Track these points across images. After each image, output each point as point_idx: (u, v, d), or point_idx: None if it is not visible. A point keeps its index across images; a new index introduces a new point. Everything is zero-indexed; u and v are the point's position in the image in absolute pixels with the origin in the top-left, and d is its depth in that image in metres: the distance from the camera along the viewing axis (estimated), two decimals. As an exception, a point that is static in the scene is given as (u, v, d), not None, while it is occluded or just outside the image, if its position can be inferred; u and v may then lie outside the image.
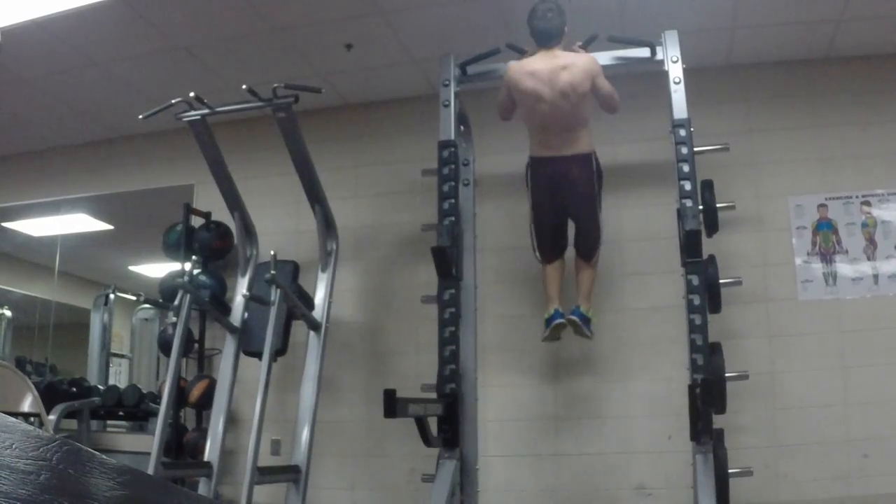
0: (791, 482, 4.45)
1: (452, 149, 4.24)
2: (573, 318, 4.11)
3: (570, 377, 4.40)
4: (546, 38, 4.00)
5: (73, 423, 5.70)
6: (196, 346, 5.40)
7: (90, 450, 0.81)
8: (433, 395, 4.04)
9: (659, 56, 4.13)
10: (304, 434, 4.33)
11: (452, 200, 4.20)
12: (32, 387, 4.69)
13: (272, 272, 4.08)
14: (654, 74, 4.16)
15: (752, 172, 4.85)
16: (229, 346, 4.53)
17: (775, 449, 4.50)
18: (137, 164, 6.09)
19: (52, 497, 0.67)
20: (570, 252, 4.32)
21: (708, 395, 3.53)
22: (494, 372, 4.83)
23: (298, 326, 4.74)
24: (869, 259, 4.70)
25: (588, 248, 4.23)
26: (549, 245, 4.23)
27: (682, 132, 3.93)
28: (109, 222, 7.00)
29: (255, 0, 4.33)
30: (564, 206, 4.14)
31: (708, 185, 4.16)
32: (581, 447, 4.78)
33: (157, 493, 0.83)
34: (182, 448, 5.03)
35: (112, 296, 7.27)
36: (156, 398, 5.94)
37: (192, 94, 4.18)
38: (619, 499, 4.68)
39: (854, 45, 4.77)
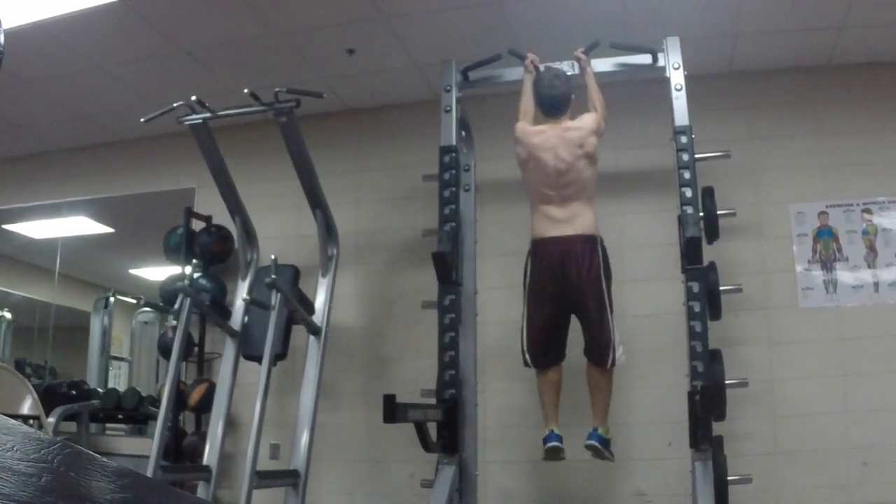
0: (790, 490, 4.45)
1: (453, 154, 4.25)
2: (592, 443, 3.77)
3: (569, 383, 4.37)
4: (553, 109, 3.95)
5: (72, 426, 5.69)
6: (196, 349, 5.40)
7: (91, 452, 0.81)
8: (433, 401, 4.04)
9: (660, 63, 4.13)
10: (304, 438, 4.33)
11: (453, 206, 4.20)
12: (32, 389, 4.69)
13: (273, 276, 4.08)
14: (656, 81, 4.16)
15: (753, 179, 4.86)
16: (229, 349, 4.53)
17: (775, 456, 4.49)
18: (139, 167, 6.10)
19: (53, 499, 0.67)
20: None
21: (708, 402, 3.53)
22: (494, 377, 4.82)
23: (298, 331, 4.74)
24: (869, 267, 4.70)
25: (599, 350, 3.81)
26: (541, 346, 3.89)
27: (684, 139, 3.93)
28: (110, 225, 7.00)
29: (257, 4, 4.34)
30: (568, 295, 3.81)
31: (709, 192, 4.16)
32: (580, 454, 4.76)
33: (157, 496, 0.83)
34: (181, 452, 5.03)
35: (112, 299, 7.27)
36: (155, 401, 5.94)
37: (193, 98, 4.18)
38: (618, 505, 4.67)
39: (856, 53, 4.78)
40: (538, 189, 3.92)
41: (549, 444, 3.81)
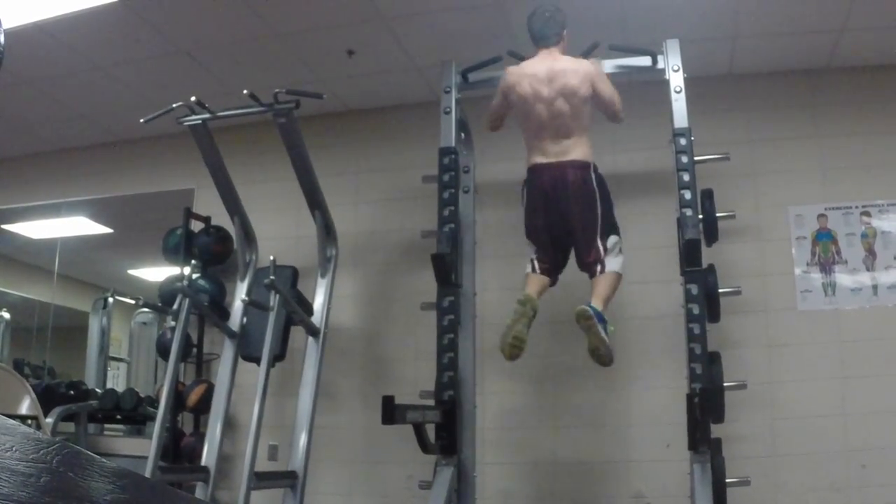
0: (789, 492, 4.45)
1: (453, 156, 4.25)
2: (584, 307, 3.59)
3: (568, 385, 4.40)
4: (544, 39, 3.96)
5: (70, 427, 5.69)
6: (194, 350, 5.40)
7: (90, 453, 0.81)
8: (431, 402, 4.03)
9: (660, 65, 4.13)
10: (302, 439, 4.33)
11: (452, 207, 4.20)
12: (30, 389, 4.70)
13: (271, 277, 4.08)
14: (655, 83, 4.16)
15: (753, 182, 4.86)
16: (228, 350, 4.53)
17: (773, 458, 4.49)
18: (138, 167, 6.10)
19: (52, 500, 0.67)
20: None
21: (706, 405, 3.53)
22: (493, 379, 4.82)
23: (297, 332, 4.74)
24: (868, 269, 4.70)
25: (587, 268, 3.84)
26: (549, 260, 3.93)
27: (683, 141, 3.93)
28: (109, 226, 7.00)
29: (257, 5, 4.34)
30: (561, 218, 3.86)
31: (708, 195, 4.16)
32: (579, 455, 4.77)
33: (156, 496, 0.83)
34: (179, 452, 5.03)
35: (111, 299, 7.27)
36: (153, 402, 5.93)
37: (193, 99, 4.19)
38: (616, 507, 4.67)
39: (855, 56, 4.78)
40: (534, 123, 3.91)
41: (525, 294, 3.75)
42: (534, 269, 3.95)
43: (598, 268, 3.80)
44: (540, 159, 3.89)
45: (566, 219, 3.85)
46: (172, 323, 4.66)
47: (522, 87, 3.91)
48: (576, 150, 3.84)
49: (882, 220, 4.74)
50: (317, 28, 4.60)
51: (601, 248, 3.81)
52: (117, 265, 7.80)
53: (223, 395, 4.38)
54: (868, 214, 4.75)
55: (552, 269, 3.96)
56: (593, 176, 3.84)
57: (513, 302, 4.34)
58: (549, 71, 3.88)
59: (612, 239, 3.86)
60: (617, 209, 4.58)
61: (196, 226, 5.54)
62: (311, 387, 4.46)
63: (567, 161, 3.83)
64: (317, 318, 4.64)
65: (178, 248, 5.47)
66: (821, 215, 4.79)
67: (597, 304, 3.68)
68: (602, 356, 3.62)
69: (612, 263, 3.82)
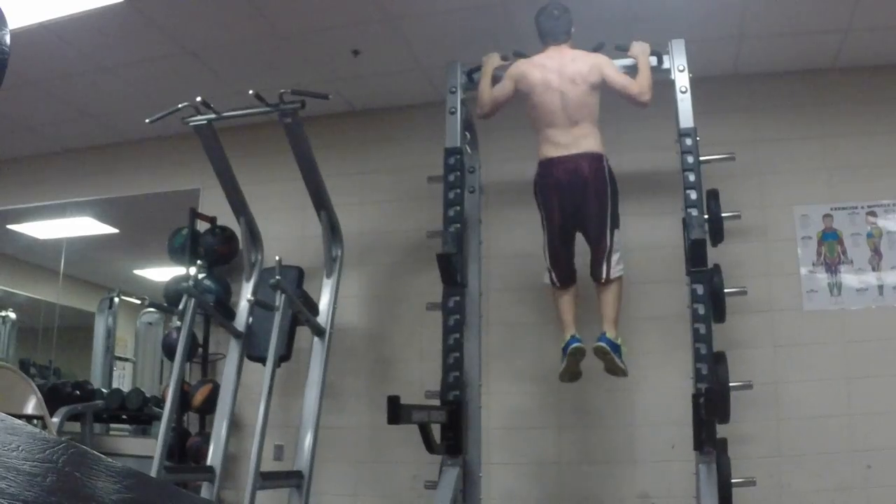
0: (794, 492, 4.44)
1: (458, 156, 4.24)
2: (600, 344, 3.78)
3: (573, 386, 4.38)
4: (553, 35, 4.02)
5: (76, 426, 5.70)
6: (200, 350, 5.40)
7: (96, 453, 0.81)
8: (437, 402, 4.03)
9: (665, 65, 4.12)
10: (308, 439, 4.33)
11: (458, 207, 4.19)
12: (36, 389, 4.71)
13: (277, 277, 4.08)
14: (661, 83, 4.15)
15: (758, 182, 4.85)
16: (233, 350, 4.54)
17: (779, 459, 4.49)
18: (143, 168, 6.11)
19: (59, 499, 0.67)
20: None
21: (712, 405, 3.53)
22: (499, 379, 4.82)
23: (303, 332, 4.74)
24: (874, 270, 4.69)
25: (596, 266, 3.92)
26: (562, 262, 3.97)
27: (688, 141, 3.93)
28: (115, 226, 7.01)
29: (262, 5, 4.35)
30: (574, 211, 3.90)
31: (713, 195, 4.15)
32: (584, 456, 4.77)
33: (163, 496, 0.83)
34: (185, 452, 5.03)
35: (116, 299, 7.29)
36: (159, 402, 5.95)
37: (198, 99, 4.19)
38: (621, 508, 4.66)
39: (860, 56, 4.77)
40: (545, 115, 3.96)
41: (572, 346, 3.83)
42: (553, 282, 4.02)
43: (604, 272, 3.89)
44: (552, 152, 3.92)
45: (580, 211, 3.91)
46: (178, 323, 4.66)
47: (533, 76, 3.97)
48: (588, 139, 3.90)
49: (888, 220, 4.73)
50: (322, 28, 4.60)
51: (608, 242, 3.89)
52: (123, 265, 7.82)
53: (229, 395, 4.39)
54: (874, 214, 4.74)
55: (571, 273, 4.02)
56: (606, 168, 3.90)
57: (520, 301, 4.36)
58: (559, 63, 3.95)
59: (616, 234, 3.93)
60: (623, 209, 4.59)
61: (202, 226, 5.55)
62: (316, 387, 4.46)
63: (581, 154, 3.87)
64: (322, 318, 4.64)
65: (184, 248, 5.48)
66: (826, 215, 4.78)
67: (609, 331, 3.86)
68: (618, 375, 3.94)
69: (616, 269, 3.92)
